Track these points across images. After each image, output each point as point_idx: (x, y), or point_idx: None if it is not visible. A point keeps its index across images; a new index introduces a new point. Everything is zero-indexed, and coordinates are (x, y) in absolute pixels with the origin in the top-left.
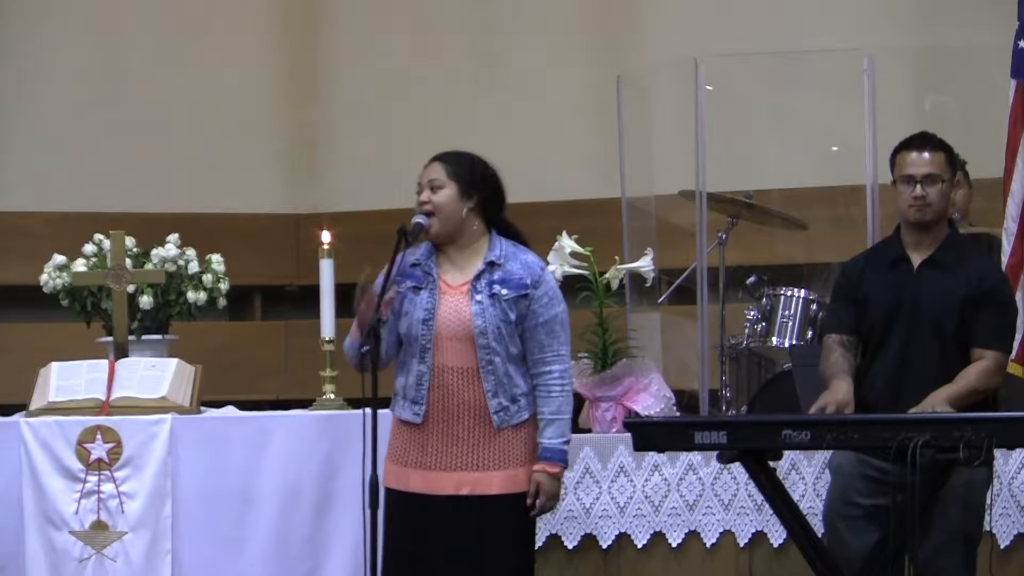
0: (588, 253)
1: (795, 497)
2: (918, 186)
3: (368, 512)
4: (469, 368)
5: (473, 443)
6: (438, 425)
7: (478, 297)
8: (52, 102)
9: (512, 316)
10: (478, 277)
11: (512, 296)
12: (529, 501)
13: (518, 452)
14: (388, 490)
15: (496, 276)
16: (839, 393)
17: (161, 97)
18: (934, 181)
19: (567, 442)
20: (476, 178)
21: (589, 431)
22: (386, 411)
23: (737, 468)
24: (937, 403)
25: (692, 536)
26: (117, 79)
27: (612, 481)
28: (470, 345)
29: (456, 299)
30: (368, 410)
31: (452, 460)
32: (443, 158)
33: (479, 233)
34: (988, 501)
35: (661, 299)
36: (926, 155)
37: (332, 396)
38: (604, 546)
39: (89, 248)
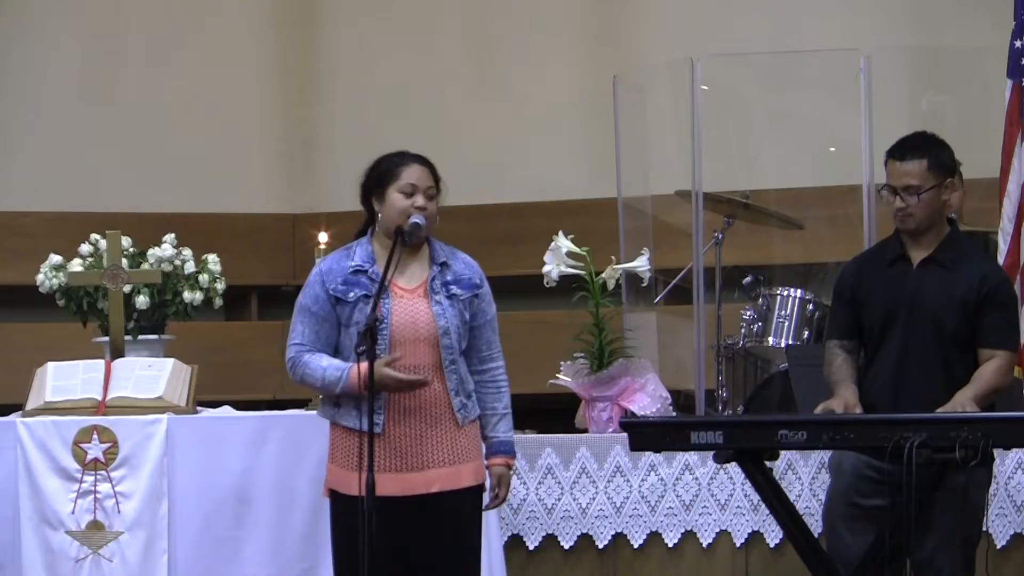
0: (584, 253)
1: (791, 497)
2: (897, 198)
3: (365, 512)
4: (430, 367)
5: (437, 440)
6: (399, 427)
7: (437, 298)
8: (48, 102)
9: (467, 315)
10: (434, 279)
11: (467, 296)
12: (493, 494)
13: (476, 446)
14: (355, 497)
15: (448, 277)
16: (848, 398)
17: (158, 97)
18: (914, 191)
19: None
20: (442, 191)
21: (585, 431)
22: None
23: (733, 468)
24: (964, 403)
25: (688, 536)
26: (113, 79)
27: (608, 481)
28: (430, 345)
29: (414, 301)
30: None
31: (419, 460)
32: (431, 167)
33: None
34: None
35: (657, 299)
36: (906, 165)
37: None
38: (600, 546)
39: (85, 248)
